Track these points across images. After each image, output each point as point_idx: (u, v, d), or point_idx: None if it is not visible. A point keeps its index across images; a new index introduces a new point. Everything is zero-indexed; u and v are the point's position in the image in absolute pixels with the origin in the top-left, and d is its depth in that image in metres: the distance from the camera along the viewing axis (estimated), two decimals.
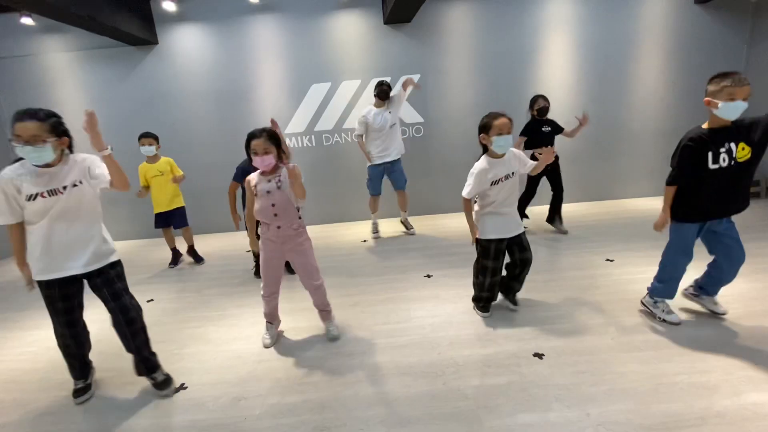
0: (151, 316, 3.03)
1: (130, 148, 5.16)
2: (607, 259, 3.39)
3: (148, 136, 3.87)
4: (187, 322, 2.91)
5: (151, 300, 3.34)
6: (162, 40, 4.93)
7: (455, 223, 4.93)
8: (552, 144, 3.94)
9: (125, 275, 2.10)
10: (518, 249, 2.48)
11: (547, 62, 5.06)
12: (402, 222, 4.73)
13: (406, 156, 4.55)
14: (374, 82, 5.05)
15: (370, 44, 4.97)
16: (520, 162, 2.45)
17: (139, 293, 3.53)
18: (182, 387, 2.14)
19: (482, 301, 2.60)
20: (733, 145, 2.02)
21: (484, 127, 2.33)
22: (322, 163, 5.28)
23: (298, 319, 2.79)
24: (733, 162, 2.03)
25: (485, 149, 2.40)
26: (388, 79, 5.07)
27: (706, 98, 2.02)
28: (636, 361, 2.03)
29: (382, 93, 4.22)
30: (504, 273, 2.60)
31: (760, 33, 4.90)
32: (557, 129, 4.00)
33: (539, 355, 2.14)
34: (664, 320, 2.35)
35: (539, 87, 5.09)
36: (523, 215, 4.18)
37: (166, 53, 4.96)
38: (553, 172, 4.04)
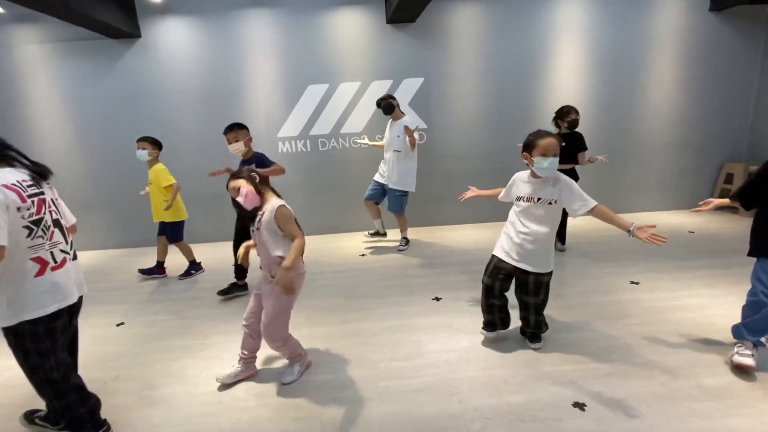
0: (119, 343, 2.65)
1: (107, 147, 4.77)
2: (632, 282, 3.09)
3: (142, 140, 3.50)
4: (161, 353, 2.50)
5: (121, 324, 2.92)
6: (145, 34, 4.54)
7: (459, 236, 4.61)
8: (574, 161, 3.61)
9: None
10: (520, 289, 2.23)
11: (557, 68, 4.81)
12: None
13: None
14: (375, 84, 4.76)
15: (371, 44, 4.65)
16: (567, 194, 2.02)
17: (107, 314, 3.16)
18: None
19: (484, 321, 2.37)
20: None
21: (528, 146, 2.04)
22: (318, 169, 4.92)
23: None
24: None
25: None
26: (389, 83, 4.78)
27: None
28: (696, 415, 1.71)
29: (387, 107, 3.93)
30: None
31: None
32: (581, 145, 3.62)
33: (580, 406, 1.80)
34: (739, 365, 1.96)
35: (548, 94, 4.83)
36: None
37: (150, 47, 4.57)
38: None
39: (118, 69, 4.61)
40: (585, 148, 3.62)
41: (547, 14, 4.67)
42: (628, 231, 1.88)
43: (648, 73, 4.87)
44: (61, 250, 1.61)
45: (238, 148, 3.05)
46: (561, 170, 2.12)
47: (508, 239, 2.18)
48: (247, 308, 2.11)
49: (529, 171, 2.14)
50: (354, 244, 4.59)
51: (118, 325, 2.91)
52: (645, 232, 1.84)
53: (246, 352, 2.12)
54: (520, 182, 2.17)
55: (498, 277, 2.19)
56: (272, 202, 1.93)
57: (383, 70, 4.72)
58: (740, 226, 4.44)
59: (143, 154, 3.48)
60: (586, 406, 1.80)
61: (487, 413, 1.79)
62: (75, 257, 1.71)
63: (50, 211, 1.59)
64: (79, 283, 1.70)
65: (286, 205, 1.93)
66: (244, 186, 1.88)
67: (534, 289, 2.16)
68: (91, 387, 2.14)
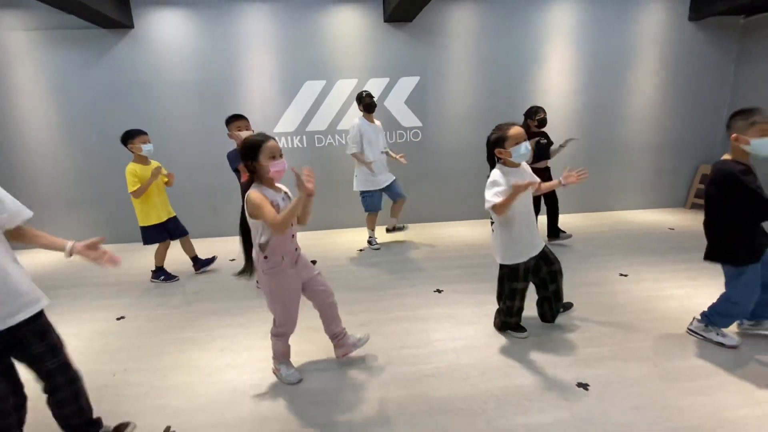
0: (121, 337, 2.63)
1: (97, 140, 4.65)
2: (621, 274, 3.27)
3: (144, 134, 3.35)
4: (167, 346, 2.49)
5: (122, 317, 2.89)
6: (138, 24, 4.44)
7: (453, 232, 4.72)
8: (548, 157, 3.88)
9: None
10: (545, 263, 2.32)
11: (546, 69, 4.98)
12: (391, 229, 4.50)
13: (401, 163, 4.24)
14: (371, 82, 4.82)
15: (369, 42, 4.70)
16: (529, 173, 2.27)
17: (106, 309, 3.11)
18: (168, 431, 1.76)
19: (512, 325, 2.40)
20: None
21: (499, 141, 2.13)
22: (314, 165, 4.81)
23: (301, 341, 2.45)
24: None
25: (493, 164, 2.26)
26: (386, 81, 4.85)
27: (734, 135, 1.96)
28: (690, 392, 1.85)
29: (369, 107, 3.92)
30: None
31: (748, 52, 5.05)
32: (550, 142, 3.92)
33: (584, 386, 1.92)
34: (721, 344, 2.18)
35: (538, 94, 5.00)
36: (560, 231, 4.10)
37: (142, 38, 4.48)
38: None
39: (108, 60, 4.49)
40: (552, 143, 3.93)
41: (538, 19, 4.84)
42: (561, 184, 2.25)
43: (630, 78, 5.11)
44: None
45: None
46: (539, 169, 2.25)
47: (525, 239, 2.20)
48: (283, 320, 2.01)
49: (497, 170, 2.16)
50: (350, 239, 4.63)
51: (118, 318, 2.87)
52: (572, 177, 2.22)
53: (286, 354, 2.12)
54: (509, 179, 2.10)
55: (530, 275, 2.30)
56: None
57: (380, 68, 4.78)
58: None
59: (152, 147, 3.36)
60: (589, 386, 1.92)
61: (499, 394, 1.88)
62: None
63: None
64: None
65: (256, 190, 1.80)
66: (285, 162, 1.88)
67: (552, 255, 2.32)
68: (99, 379, 2.15)
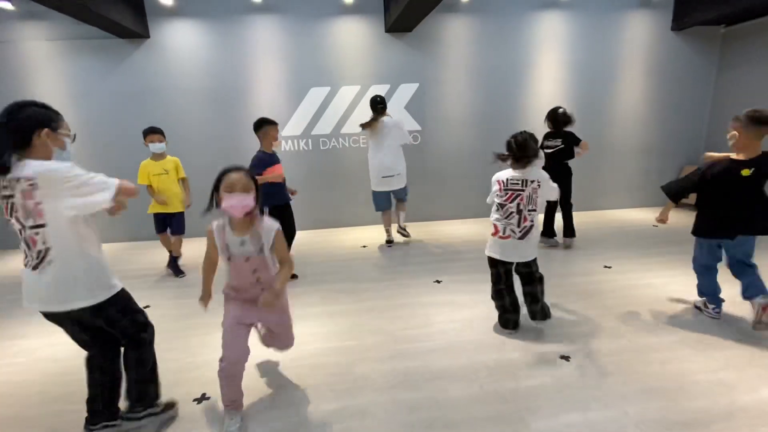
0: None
1: (113, 142, 4.91)
2: (605, 266, 3.56)
3: (157, 132, 3.59)
4: (192, 329, 2.76)
5: (148, 306, 3.15)
6: (154, 34, 4.73)
7: (451, 230, 5.00)
8: (571, 156, 3.98)
9: None
10: (524, 266, 2.41)
11: (538, 77, 5.29)
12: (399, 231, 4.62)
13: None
14: (373, 88, 5.10)
15: (371, 51, 5.00)
16: (542, 182, 2.30)
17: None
18: (204, 397, 2.03)
19: (510, 323, 2.50)
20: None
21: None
22: (319, 167, 5.21)
23: (317, 324, 2.71)
24: None
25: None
26: (387, 87, 5.13)
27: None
28: (656, 361, 2.14)
29: (383, 110, 4.11)
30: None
31: (728, 60, 5.37)
32: (575, 140, 3.96)
33: (566, 357, 2.20)
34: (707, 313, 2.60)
35: (531, 101, 5.31)
36: (552, 234, 4.21)
37: (158, 47, 4.76)
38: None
39: (125, 68, 4.77)
40: (578, 141, 3.93)
41: (530, 30, 5.15)
42: None
43: (617, 84, 5.43)
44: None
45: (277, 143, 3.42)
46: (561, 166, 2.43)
47: (498, 240, 2.42)
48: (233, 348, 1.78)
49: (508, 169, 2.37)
50: (354, 237, 4.91)
51: (144, 307, 3.13)
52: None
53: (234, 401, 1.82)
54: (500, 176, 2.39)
55: (509, 278, 2.51)
56: (264, 220, 1.77)
57: (381, 75, 5.07)
58: None
59: (162, 146, 3.61)
60: (570, 357, 2.20)
61: (491, 365, 2.16)
62: (36, 267, 1.49)
63: (16, 218, 1.47)
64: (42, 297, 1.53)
65: (213, 224, 1.78)
66: (251, 199, 1.69)
67: (535, 267, 2.47)
68: None
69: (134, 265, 4.20)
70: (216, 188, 1.69)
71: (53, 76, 4.71)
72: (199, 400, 2.00)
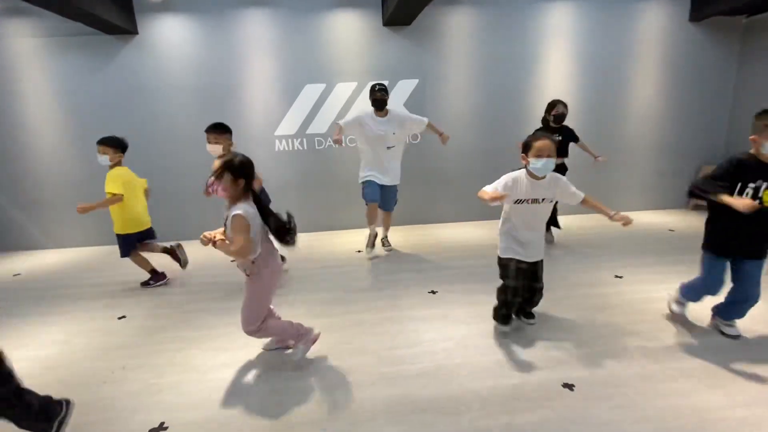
0: (122, 335, 2.70)
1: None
2: (616, 276, 3.28)
3: (101, 143, 3.32)
4: (165, 344, 2.56)
5: (123, 317, 2.97)
6: (142, 30, 4.55)
7: (451, 233, 4.75)
8: (564, 154, 3.88)
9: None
10: (531, 278, 2.39)
11: (545, 72, 4.99)
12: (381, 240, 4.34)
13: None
14: (371, 85, 4.84)
15: (368, 46, 4.76)
16: (561, 190, 2.28)
17: (109, 308, 3.20)
18: (162, 427, 1.82)
19: (500, 317, 2.47)
20: (764, 184, 1.94)
21: (525, 147, 2.19)
22: (314, 167, 5.00)
23: None
24: (757, 201, 1.92)
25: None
26: (385, 83, 4.88)
27: (752, 136, 1.98)
28: (674, 393, 1.87)
29: (378, 102, 3.76)
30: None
31: (750, 53, 5.01)
32: (572, 137, 3.89)
33: (569, 386, 1.94)
34: (722, 333, 2.34)
35: (536, 96, 5.01)
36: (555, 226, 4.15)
37: (146, 44, 4.58)
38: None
39: (113, 65, 4.61)
40: (577, 138, 3.91)
41: (536, 21, 4.85)
42: (610, 216, 2.20)
43: (630, 79, 5.10)
44: None
45: (215, 150, 3.09)
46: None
47: (516, 241, 2.30)
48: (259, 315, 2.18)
49: (524, 172, 2.24)
50: (348, 240, 4.69)
51: (119, 318, 2.95)
52: (621, 218, 2.18)
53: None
54: (520, 183, 2.21)
55: (521, 278, 2.32)
56: (238, 204, 1.96)
57: (379, 71, 4.83)
58: None
59: (104, 159, 3.29)
60: (574, 386, 1.94)
61: (484, 394, 1.92)
62: None
63: None
64: None
65: (244, 215, 1.91)
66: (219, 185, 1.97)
67: (541, 274, 2.40)
68: (98, 375, 2.22)
69: (115, 271, 4.03)
70: None
71: (39, 74, 4.56)
72: (155, 431, 1.80)
